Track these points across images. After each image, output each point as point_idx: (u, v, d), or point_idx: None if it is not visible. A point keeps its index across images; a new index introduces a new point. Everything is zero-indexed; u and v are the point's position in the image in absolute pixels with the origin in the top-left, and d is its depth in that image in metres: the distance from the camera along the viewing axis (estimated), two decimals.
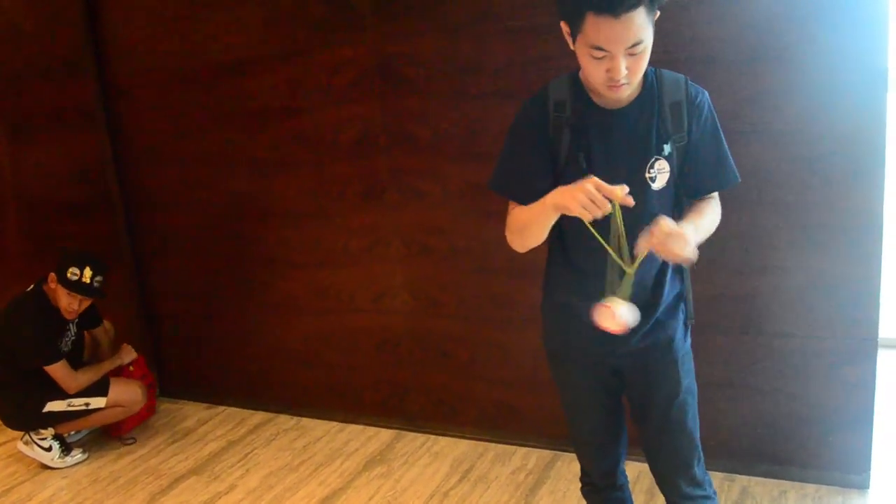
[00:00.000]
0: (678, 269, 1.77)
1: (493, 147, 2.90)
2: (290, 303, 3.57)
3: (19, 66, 3.91)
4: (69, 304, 3.24)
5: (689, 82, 1.67)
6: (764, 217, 2.56)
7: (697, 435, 1.84)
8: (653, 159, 1.64)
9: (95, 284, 3.25)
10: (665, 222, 1.49)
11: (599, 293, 1.62)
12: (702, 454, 1.86)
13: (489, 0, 2.82)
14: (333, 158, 3.26)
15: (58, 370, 3.20)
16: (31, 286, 3.31)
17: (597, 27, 1.45)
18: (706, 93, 1.68)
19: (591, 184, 1.46)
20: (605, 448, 1.97)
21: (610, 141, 1.65)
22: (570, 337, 1.85)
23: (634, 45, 1.47)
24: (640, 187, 1.62)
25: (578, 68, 1.63)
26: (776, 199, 2.54)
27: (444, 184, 3.07)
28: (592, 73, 1.54)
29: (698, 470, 1.85)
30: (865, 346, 2.54)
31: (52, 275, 3.23)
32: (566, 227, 1.75)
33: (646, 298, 1.72)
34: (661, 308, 1.74)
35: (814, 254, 2.54)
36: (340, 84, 3.16)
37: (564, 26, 1.55)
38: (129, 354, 3.57)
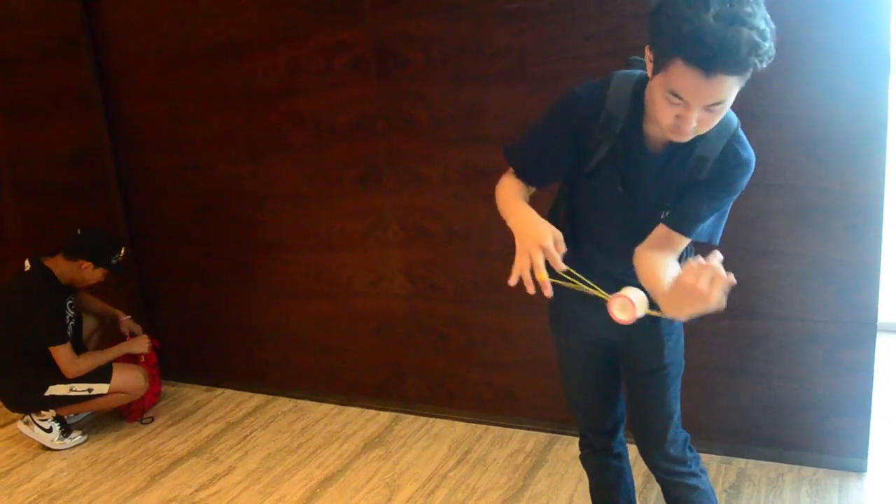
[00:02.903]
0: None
1: (493, 130, 2.91)
2: (288, 286, 3.57)
3: (15, 48, 3.87)
4: (99, 283, 3.37)
5: (737, 140, 1.55)
6: (763, 201, 2.55)
7: (676, 411, 1.86)
8: (669, 203, 1.61)
9: (125, 262, 3.49)
10: (707, 268, 1.38)
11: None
12: (680, 432, 1.89)
13: None
14: (331, 141, 3.25)
15: (63, 352, 3.19)
16: (29, 265, 3.26)
17: (683, 76, 1.34)
18: (747, 160, 1.55)
19: (538, 254, 1.47)
20: (599, 410, 2.00)
21: (638, 177, 1.62)
22: (563, 306, 1.89)
23: (715, 104, 1.38)
24: (653, 220, 1.64)
25: (643, 74, 1.54)
26: (776, 182, 2.53)
27: (442, 167, 3.06)
28: (662, 113, 1.44)
29: (672, 448, 1.87)
30: (864, 331, 2.54)
31: (87, 262, 3.25)
32: (575, 204, 1.75)
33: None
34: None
35: (813, 238, 2.53)
36: (338, 66, 3.14)
37: (648, 52, 1.43)
38: (141, 346, 3.53)
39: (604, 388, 1.97)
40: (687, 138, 1.47)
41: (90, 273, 3.30)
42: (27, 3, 3.77)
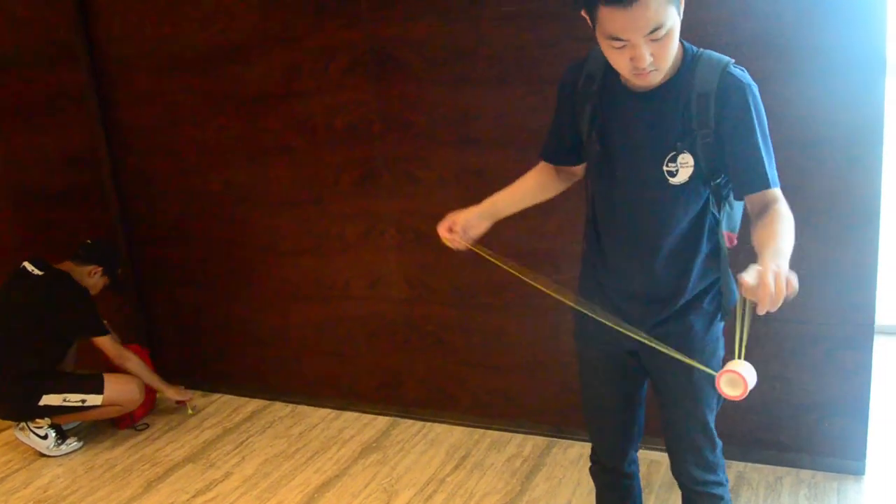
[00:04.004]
0: (713, 259, 1.70)
1: (490, 133, 2.91)
2: (285, 290, 3.56)
3: (11, 52, 3.86)
4: (100, 293, 3.47)
5: (731, 70, 1.55)
6: None
7: (711, 422, 1.81)
8: (674, 152, 1.57)
9: (122, 278, 3.66)
10: (763, 280, 1.31)
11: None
12: (717, 441, 1.83)
13: None
14: (328, 144, 3.24)
15: (111, 341, 3.32)
16: (40, 270, 3.27)
17: (611, 17, 1.40)
18: (748, 84, 1.54)
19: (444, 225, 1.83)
20: (613, 427, 1.95)
21: (630, 126, 1.62)
22: (590, 318, 1.84)
23: (654, 30, 1.40)
24: (658, 179, 1.60)
25: None
26: None
27: (439, 170, 3.05)
28: (617, 63, 1.50)
29: (711, 455, 1.83)
30: (862, 333, 2.54)
31: (98, 267, 3.40)
32: (598, 209, 1.76)
33: (666, 291, 1.70)
34: (682, 302, 1.71)
35: (811, 240, 2.52)
36: (335, 69, 3.13)
37: (584, 15, 1.49)
38: (181, 395, 3.59)
39: (621, 406, 1.92)
40: (652, 77, 1.50)
41: (96, 280, 3.42)
42: (23, 6, 3.76)
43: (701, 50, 1.59)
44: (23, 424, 3.30)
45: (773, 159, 1.59)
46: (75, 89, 3.71)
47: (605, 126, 1.65)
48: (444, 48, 2.91)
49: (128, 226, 3.85)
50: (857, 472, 2.65)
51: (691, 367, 1.73)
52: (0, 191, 4.17)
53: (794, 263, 2.62)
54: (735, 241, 1.78)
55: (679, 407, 1.82)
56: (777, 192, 1.58)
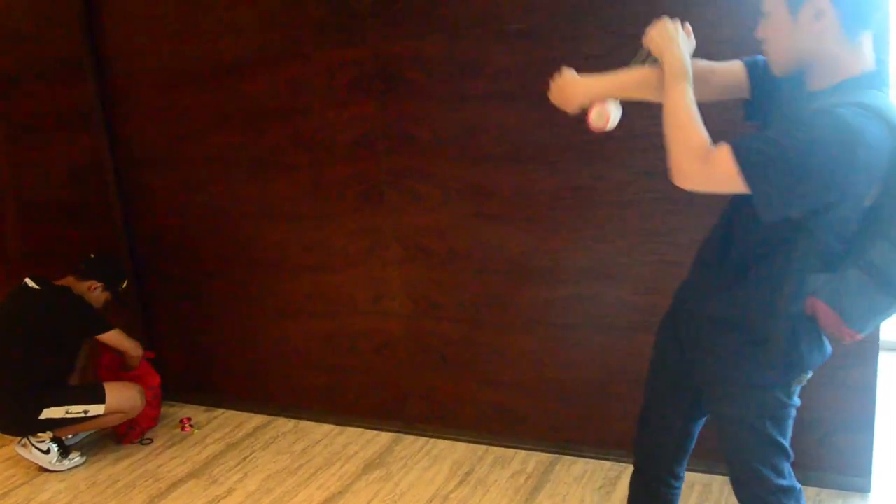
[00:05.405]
0: (771, 298, 1.58)
1: (493, 149, 2.92)
2: (288, 305, 3.56)
3: (17, 67, 3.89)
4: (103, 307, 3.48)
5: (838, 106, 1.38)
6: None
7: (749, 461, 1.73)
8: None
9: (126, 293, 3.65)
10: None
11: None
12: (765, 474, 1.71)
13: (489, 2, 2.82)
14: (332, 160, 3.26)
15: (120, 335, 3.37)
16: (38, 285, 3.28)
17: None
18: (836, 116, 1.36)
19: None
20: (654, 424, 1.92)
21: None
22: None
23: (762, 12, 1.54)
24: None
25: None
26: None
27: (443, 186, 3.07)
28: None
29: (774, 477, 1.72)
30: (866, 349, 2.52)
31: (98, 283, 3.41)
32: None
33: (724, 264, 1.66)
34: (737, 292, 1.64)
35: None
36: (340, 85, 3.15)
37: None
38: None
39: (668, 404, 1.88)
40: (771, 65, 1.59)
41: (97, 295, 3.42)
42: (29, 22, 3.79)
43: (867, 89, 1.46)
44: (24, 440, 3.29)
45: (768, 160, 1.39)
46: (81, 104, 3.73)
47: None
48: (448, 65, 2.93)
49: (132, 240, 3.86)
50: (863, 489, 2.64)
51: (722, 406, 1.72)
52: (6, 205, 4.19)
53: None
54: (847, 335, 1.61)
55: (727, 444, 1.76)
56: (723, 145, 1.44)
